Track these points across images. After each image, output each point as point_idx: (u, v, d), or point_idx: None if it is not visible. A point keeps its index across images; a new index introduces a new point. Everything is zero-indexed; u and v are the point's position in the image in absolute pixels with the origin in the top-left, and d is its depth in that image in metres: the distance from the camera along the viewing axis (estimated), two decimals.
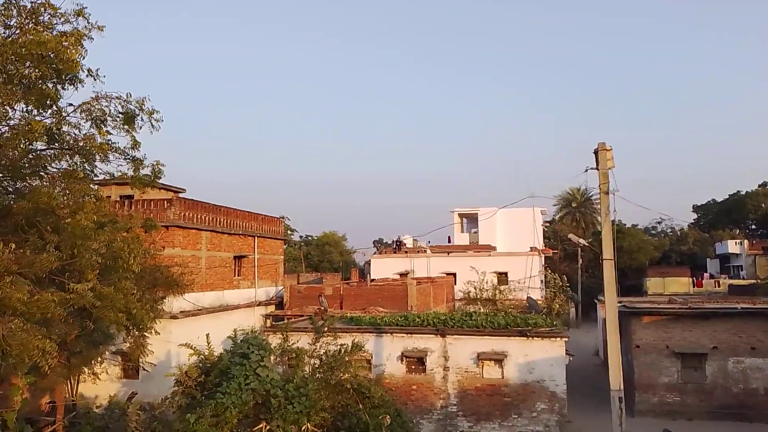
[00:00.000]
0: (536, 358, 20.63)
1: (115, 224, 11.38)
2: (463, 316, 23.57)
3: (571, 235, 35.50)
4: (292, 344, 15.45)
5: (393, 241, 54.59)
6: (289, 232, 56.94)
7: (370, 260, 49.53)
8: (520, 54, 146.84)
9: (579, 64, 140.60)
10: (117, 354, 21.65)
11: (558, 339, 20.68)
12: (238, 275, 30.92)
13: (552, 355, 20.58)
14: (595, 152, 14.68)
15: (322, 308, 27.40)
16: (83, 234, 9.34)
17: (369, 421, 13.94)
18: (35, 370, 11.30)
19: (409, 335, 21.83)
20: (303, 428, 13.15)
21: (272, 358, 15.40)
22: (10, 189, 11.59)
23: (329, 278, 44.68)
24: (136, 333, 17.73)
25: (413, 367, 21.76)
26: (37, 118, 9.70)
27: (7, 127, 9.91)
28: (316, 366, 15.12)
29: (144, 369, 22.66)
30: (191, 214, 26.65)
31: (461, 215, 51.35)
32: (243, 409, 13.06)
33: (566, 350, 20.70)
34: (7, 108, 8.68)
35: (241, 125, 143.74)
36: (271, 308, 33.53)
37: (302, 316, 27.98)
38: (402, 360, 21.64)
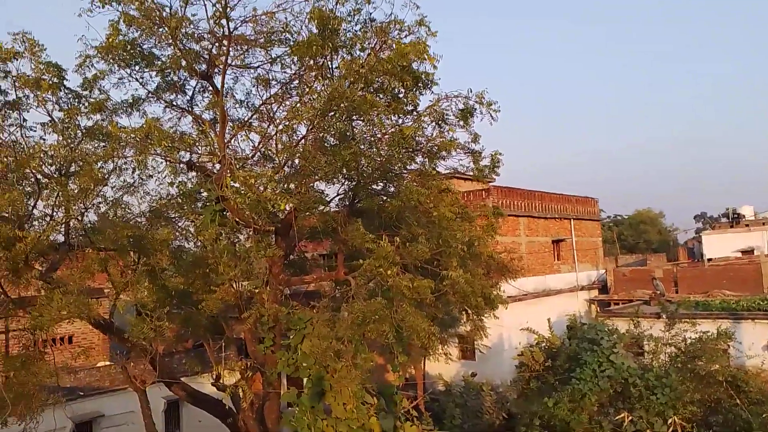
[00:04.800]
0: None
1: (467, 214, 12.08)
2: None
3: None
4: (644, 331, 14.40)
5: (725, 214, 47.48)
6: None
7: (698, 237, 43.87)
8: None
9: None
10: (455, 336, 23.30)
11: None
12: (558, 259, 30.44)
13: None
14: None
15: (657, 292, 25.12)
16: (447, 225, 10.13)
17: (751, 419, 12.06)
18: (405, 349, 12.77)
19: None
20: (669, 422, 12.06)
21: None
22: (373, 191, 13.25)
23: (654, 259, 40.86)
24: (475, 317, 18.63)
25: None
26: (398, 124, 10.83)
27: (370, 136, 11.30)
28: (674, 355, 13.78)
29: (480, 351, 23.95)
30: (508, 201, 27.25)
31: None
32: (601, 396, 12.63)
33: None
34: (382, 117, 9.82)
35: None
36: (594, 293, 32.17)
37: (631, 300, 26.19)
38: None
